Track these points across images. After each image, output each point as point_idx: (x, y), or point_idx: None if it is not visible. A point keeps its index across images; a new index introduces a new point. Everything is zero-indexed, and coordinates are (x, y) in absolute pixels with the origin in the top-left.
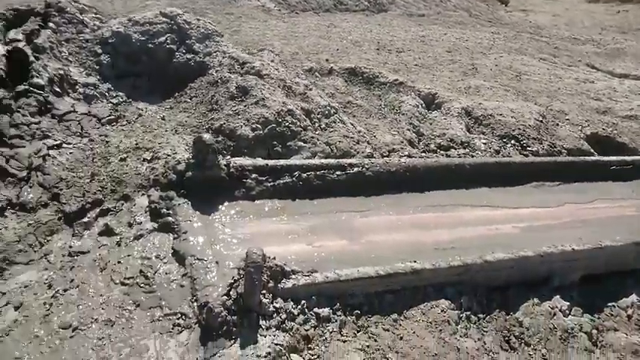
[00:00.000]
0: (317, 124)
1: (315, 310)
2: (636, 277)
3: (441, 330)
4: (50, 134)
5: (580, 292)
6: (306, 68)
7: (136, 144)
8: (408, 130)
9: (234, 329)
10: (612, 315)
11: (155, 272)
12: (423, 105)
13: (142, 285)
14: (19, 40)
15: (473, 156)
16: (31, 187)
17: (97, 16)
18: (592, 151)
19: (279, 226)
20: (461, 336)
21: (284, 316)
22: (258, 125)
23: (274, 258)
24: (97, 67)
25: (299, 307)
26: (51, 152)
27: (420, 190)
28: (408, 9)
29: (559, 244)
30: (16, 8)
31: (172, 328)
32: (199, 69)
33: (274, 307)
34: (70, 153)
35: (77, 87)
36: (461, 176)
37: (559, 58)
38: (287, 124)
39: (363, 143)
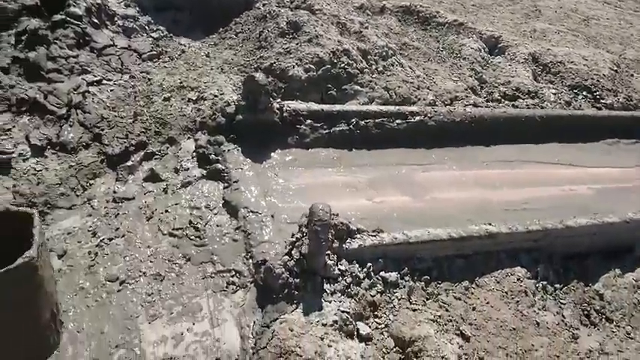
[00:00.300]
0: (374, 67)
1: (382, 274)
2: None
3: (517, 301)
4: (89, 69)
5: None
6: (356, 5)
7: (180, 82)
8: (470, 76)
9: (297, 293)
10: None
11: (206, 224)
12: (486, 49)
13: (192, 237)
14: None
15: (542, 107)
16: (71, 125)
17: None
18: None
19: (335, 178)
20: (539, 309)
21: (349, 279)
22: (312, 66)
23: (338, 215)
24: None
25: (364, 270)
26: (91, 89)
27: (485, 143)
28: None
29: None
30: None
31: (227, 287)
32: (245, 2)
33: (339, 269)
34: (111, 90)
35: (116, 19)
36: (530, 129)
37: (624, 3)
38: (343, 65)
39: (424, 89)
